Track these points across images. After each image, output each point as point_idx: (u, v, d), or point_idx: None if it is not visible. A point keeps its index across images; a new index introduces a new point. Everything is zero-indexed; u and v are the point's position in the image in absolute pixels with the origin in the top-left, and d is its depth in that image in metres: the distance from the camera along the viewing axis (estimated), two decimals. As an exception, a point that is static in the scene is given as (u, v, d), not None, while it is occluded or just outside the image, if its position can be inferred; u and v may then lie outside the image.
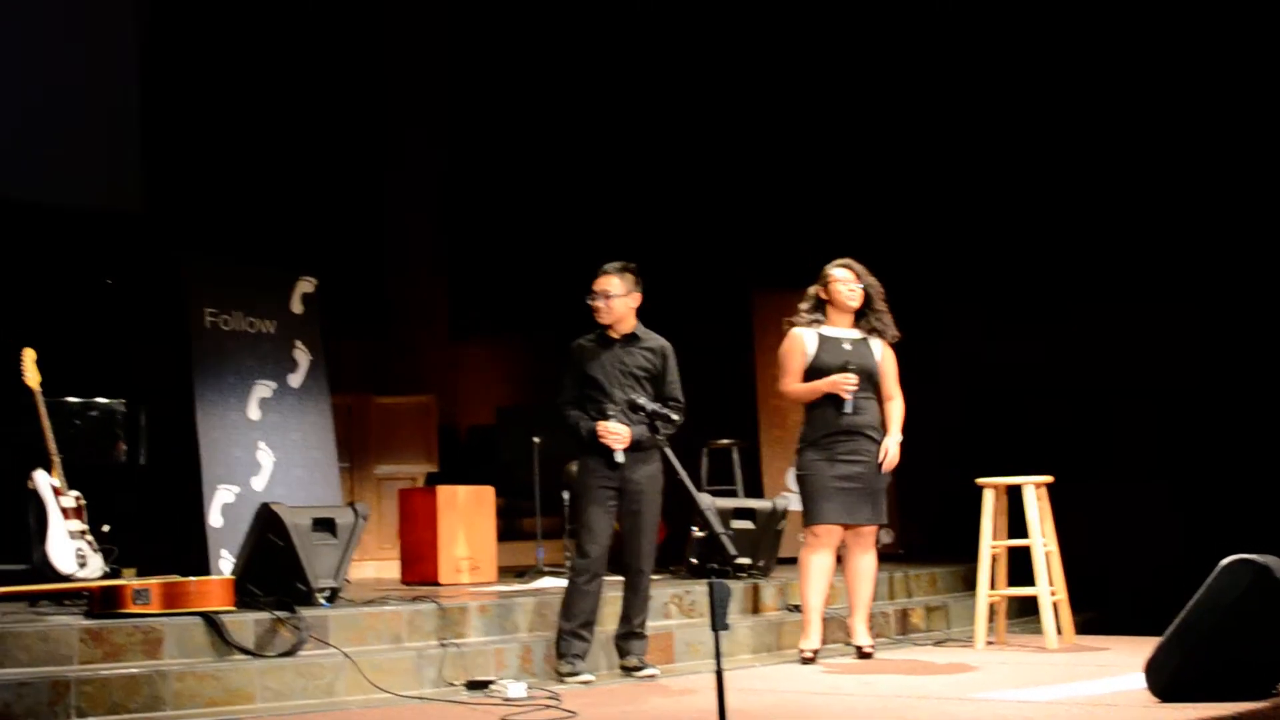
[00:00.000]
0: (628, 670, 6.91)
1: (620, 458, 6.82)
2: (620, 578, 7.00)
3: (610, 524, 6.89)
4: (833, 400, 7.27)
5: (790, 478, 10.23)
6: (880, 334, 7.43)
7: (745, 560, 8.34)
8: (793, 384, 7.38)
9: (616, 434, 6.79)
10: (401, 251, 11.77)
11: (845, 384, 7.22)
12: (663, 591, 7.85)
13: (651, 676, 6.88)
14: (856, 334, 7.41)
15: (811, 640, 7.35)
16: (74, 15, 10.40)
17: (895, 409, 7.40)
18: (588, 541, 6.85)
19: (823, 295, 7.45)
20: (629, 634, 6.95)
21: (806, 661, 7.29)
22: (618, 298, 6.93)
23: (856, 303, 7.39)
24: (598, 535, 6.84)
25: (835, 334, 7.39)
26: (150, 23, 10.55)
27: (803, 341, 7.38)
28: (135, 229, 10.04)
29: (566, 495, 8.83)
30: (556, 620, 6.91)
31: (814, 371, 7.31)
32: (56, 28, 10.32)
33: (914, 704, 5.93)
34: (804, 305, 7.49)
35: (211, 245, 9.63)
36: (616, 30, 11.40)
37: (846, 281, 7.39)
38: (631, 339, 6.99)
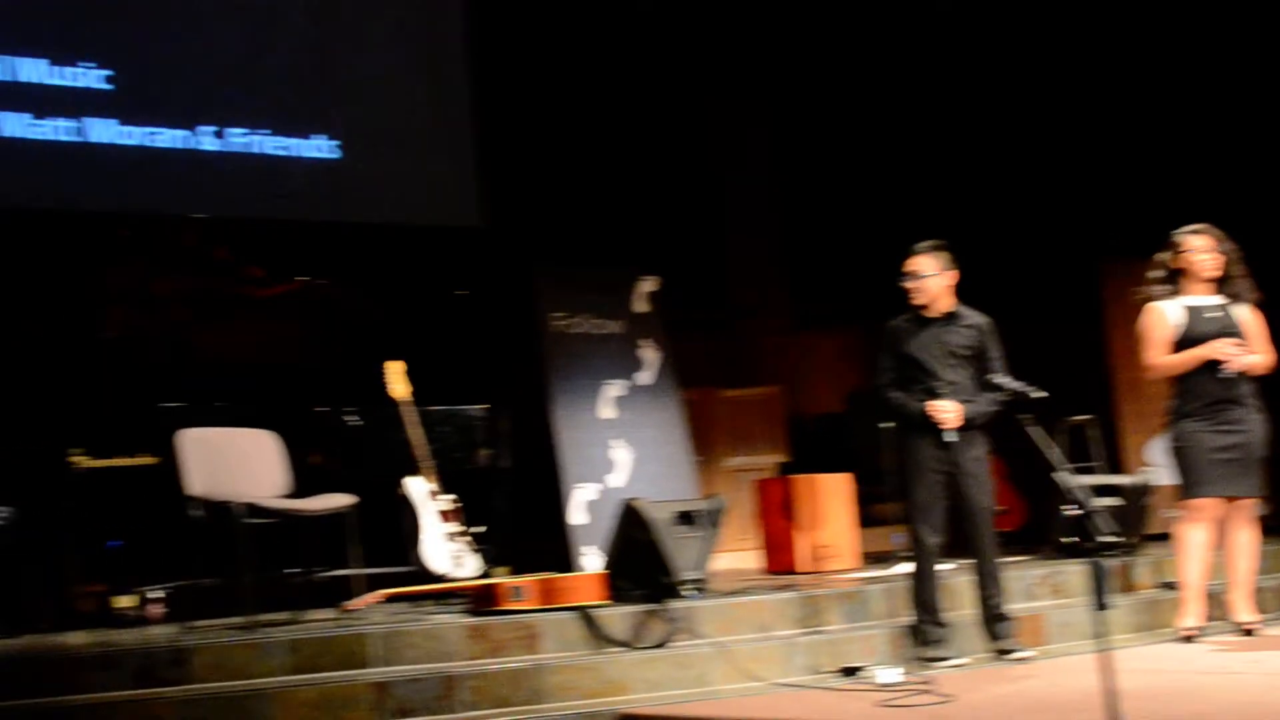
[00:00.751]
0: (1000, 654, 6.79)
1: (951, 437, 6.70)
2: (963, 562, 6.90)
3: (943, 506, 6.77)
4: (1208, 370, 6.96)
5: (1151, 451, 9.92)
6: (1241, 298, 7.10)
7: (1115, 538, 8.11)
8: (1161, 356, 7.08)
9: (949, 412, 6.68)
10: (741, 246, 11.84)
11: (1226, 350, 6.92)
12: (1030, 573, 7.72)
13: (1026, 659, 6.73)
14: (1217, 300, 7.09)
15: (1191, 618, 7.08)
16: (409, 43, 10.83)
17: (1263, 361, 7.06)
18: (921, 524, 6.75)
19: (1175, 265, 7.13)
20: (991, 616, 6.84)
21: (1187, 640, 7.03)
22: (931, 277, 6.84)
23: (1215, 271, 7.07)
24: (931, 517, 6.74)
25: (1197, 303, 7.07)
26: (477, 40, 10.89)
27: (1164, 313, 7.07)
28: (481, 242, 10.37)
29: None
30: (910, 608, 6.84)
31: (1185, 342, 7.00)
32: (395, 59, 10.76)
33: (1310, 681, 5.67)
34: (1155, 275, 7.18)
35: (553, 252, 9.89)
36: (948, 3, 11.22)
37: (1203, 250, 7.08)
38: (951, 317, 6.88)
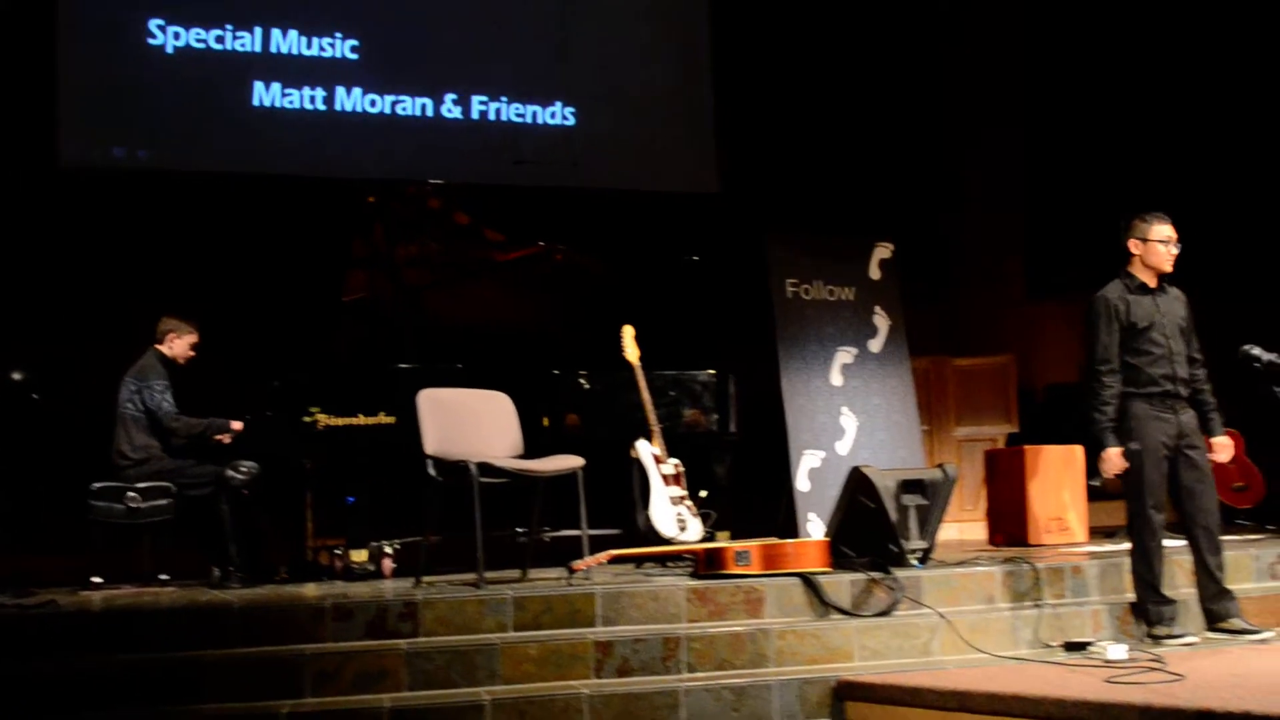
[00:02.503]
0: (1232, 633, 6.58)
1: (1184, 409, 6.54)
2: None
3: (1166, 481, 6.59)
4: None
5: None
6: None
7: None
8: None
9: (1110, 464, 6.53)
10: (978, 213, 11.70)
11: None
12: (1269, 551, 7.47)
13: (1264, 640, 6.50)
14: None
15: None
16: (650, 13, 10.94)
17: None
18: (1149, 499, 6.56)
19: None
20: (1219, 593, 6.62)
21: None
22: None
23: None
24: (1158, 493, 6.56)
25: None
26: (719, 9, 10.94)
27: None
28: (716, 208, 10.44)
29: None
30: (1136, 586, 6.67)
31: None
32: (637, 28, 10.88)
33: None
34: None
35: (788, 217, 9.90)
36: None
37: None
38: (1162, 289, 6.71)
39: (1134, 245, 6.71)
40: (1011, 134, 11.81)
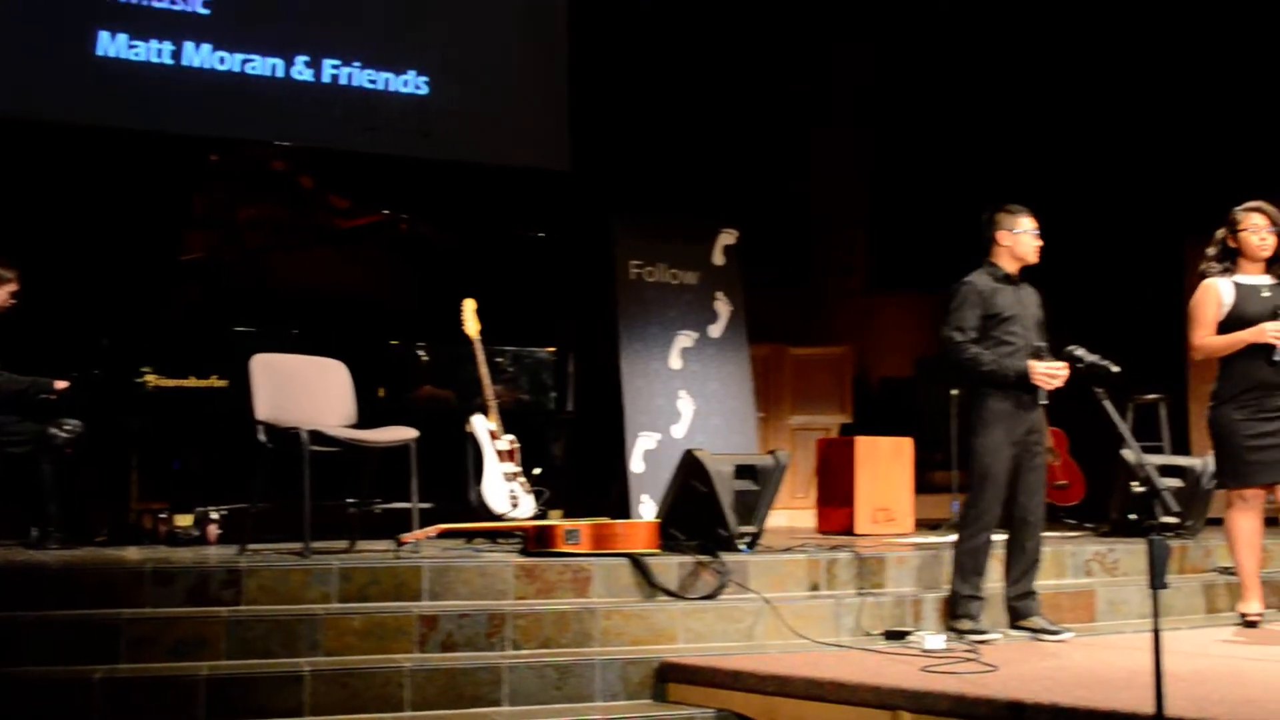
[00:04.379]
0: (1033, 631, 6.66)
1: (1044, 399, 6.65)
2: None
3: (1009, 474, 6.66)
4: (1256, 353, 6.78)
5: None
6: None
7: (1175, 520, 8.02)
8: (1207, 336, 6.91)
9: (1058, 375, 6.58)
10: (822, 202, 11.82)
11: (1277, 332, 6.78)
12: (1084, 549, 7.67)
13: (1063, 639, 6.60)
14: (1270, 280, 6.94)
15: (1252, 604, 6.98)
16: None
17: None
18: (990, 493, 6.64)
19: (1231, 242, 6.95)
20: (1027, 593, 6.72)
21: (1250, 625, 6.94)
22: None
23: (1268, 251, 6.88)
24: (1001, 487, 6.63)
25: (1251, 282, 6.89)
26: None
27: (1218, 292, 6.90)
28: (565, 186, 10.43)
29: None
30: (954, 578, 6.73)
31: (1233, 322, 6.83)
32: (496, 7, 10.80)
33: (1359, 674, 5.62)
34: (1211, 252, 6.99)
35: (636, 199, 9.92)
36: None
37: (1259, 229, 6.90)
38: (1021, 281, 6.83)
39: (1004, 237, 6.79)
40: (859, 129, 11.96)
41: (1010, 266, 6.80)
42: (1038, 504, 6.74)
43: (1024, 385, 6.60)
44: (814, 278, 11.72)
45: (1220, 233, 7.02)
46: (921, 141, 11.70)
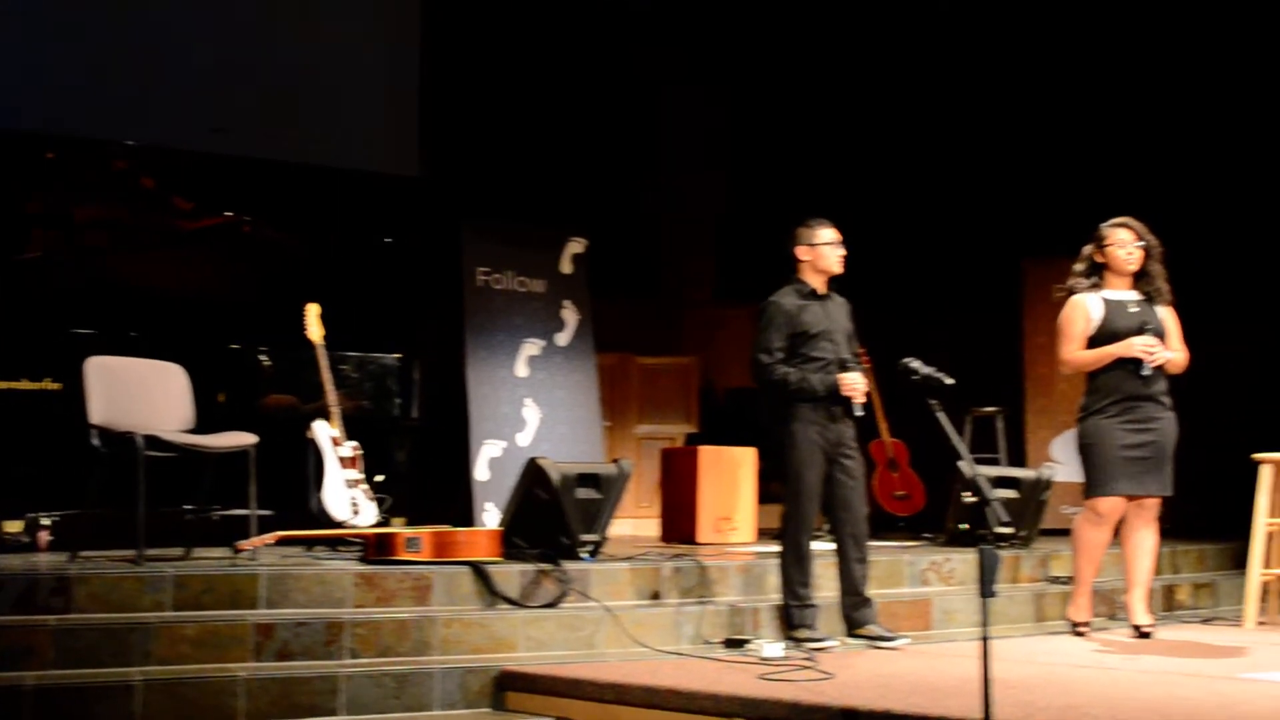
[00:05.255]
0: (869, 639, 6.75)
1: (859, 411, 6.75)
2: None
3: (822, 484, 6.75)
4: (1124, 366, 6.92)
5: (1056, 448, 10.05)
6: (1159, 295, 7.11)
7: (1008, 530, 8.20)
8: (1077, 351, 7.03)
9: (861, 387, 6.71)
10: (671, 213, 11.89)
11: (1146, 346, 6.95)
12: (922, 558, 7.81)
13: (898, 647, 6.71)
14: (1136, 296, 7.10)
15: (1081, 612, 7.15)
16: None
17: (1179, 359, 7.08)
18: (809, 504, 6.72)
19: (1099, 258, 7.10)
20: (862, 602, 6.81)
21: (1078, 633, 7.10)
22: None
23: (1135, 266, 7.05)
24: (816, 496, 6.73)
25: (1118, 297, 7.02)
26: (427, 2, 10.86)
27: (1086, 307, 7.02)
28: (414, 191, 10.36)
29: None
30: (783, 587, 6.80)
31: (1103, 337, 6.96)
32: (348, 10, 10.70)
33: (1181, 681, 5.78)
34: (1079, 268, 7.11)
35: (486, 206, 9.90)
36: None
37: (1125, 244, 7.04)
38: (830, 294, 6.92)
39: (802, 252, 6.87)
40: (710, 142, 12.05)
41: (815, 281, 6.86)
42: (858, 515, 6.82)
43: (835, 399, 6.70)
44: (662, 288, 11.78)
45: (1088, 248, 7.13)
46: (773, 155, 11.82)
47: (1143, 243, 7.03)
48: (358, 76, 10.62)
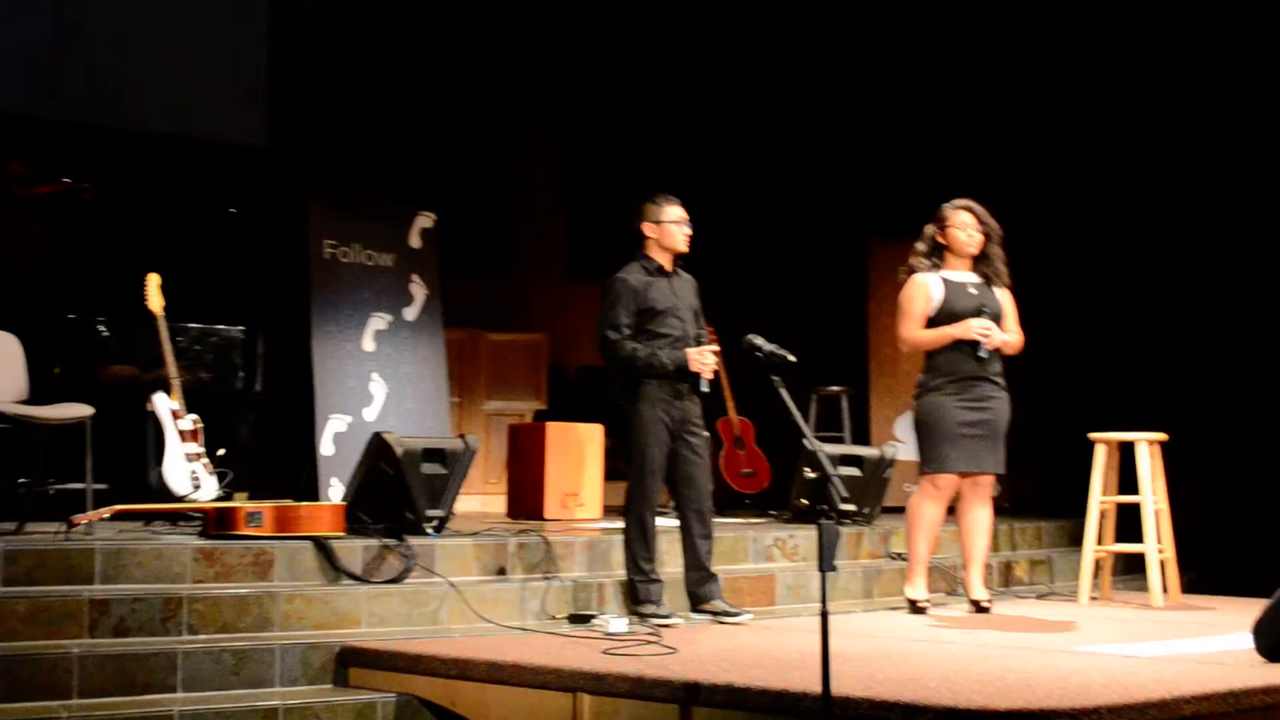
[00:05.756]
0: (714, 614, 6.80)
1: (706, 388, 6.78)
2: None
3: (666, 460, 6.78)
4: (961, 347, 7.04)
5: (899, 427, 10.21)
6: (998, 278, 7.24)
7: (851, 507, 8.32)
8: (916, 330, 7.14)
9: (711, 358, 6.75)
10: (521, 189, 11.83)
11: (983, 328, 7.06)
12: (766, 535, 7.88)
13: (741, 621, 6.77)
14: (976, 278, 7.22)
15: (919, 589, 7.25)
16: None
17: (1016, 341, 7.22)
18: (653, 480, 6.76)
19: (940, 239, 7.21)
20: (706, 578, 6.84)
21: (917, 610, 7.20)
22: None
23: (976, 249, 7.17)
24: (659, 472, 6.75)
25: (958, 278, 7.15)
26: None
27: (927, 287, 7.13)
28: (260, 162, 10.18)
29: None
30: (627, 563, 6.82)
31: (942, 317, 7.08)
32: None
33: (1016, 654, 5.90)
34: (920, 247, 7.22)
35: (333, 179, 9.76)
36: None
37: (966, 227, 7.15)
38: (677, 271, 6.95)
39: (648, 229, 6.88)
40: (559, 119, 12.01)
41: (661, 258, 6.89)
42: (703, 491, 6.85)
43: (683, 375, 6.73)
44: (513, 264, 11.72)
45: (929, 229, 7.24)
46: (622, 133, 11.82)
47: (984, 226, 7.16)
48: (204, 43, 10.40)
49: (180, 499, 7.29)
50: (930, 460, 7.11)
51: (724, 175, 11.18)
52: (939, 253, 7.21)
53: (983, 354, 7.04)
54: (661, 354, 6.73)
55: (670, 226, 6.85)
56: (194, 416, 7.53)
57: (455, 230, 9.70)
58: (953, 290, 7.12)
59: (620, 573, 6.98)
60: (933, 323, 7.11)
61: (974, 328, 7.02)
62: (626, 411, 6.77)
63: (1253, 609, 5.94)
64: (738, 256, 10.74)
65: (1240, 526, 9.28)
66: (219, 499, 7.38)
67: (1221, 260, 9.85)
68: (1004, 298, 7.22)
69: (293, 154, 10.26)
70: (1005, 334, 7.14)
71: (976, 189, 7.54)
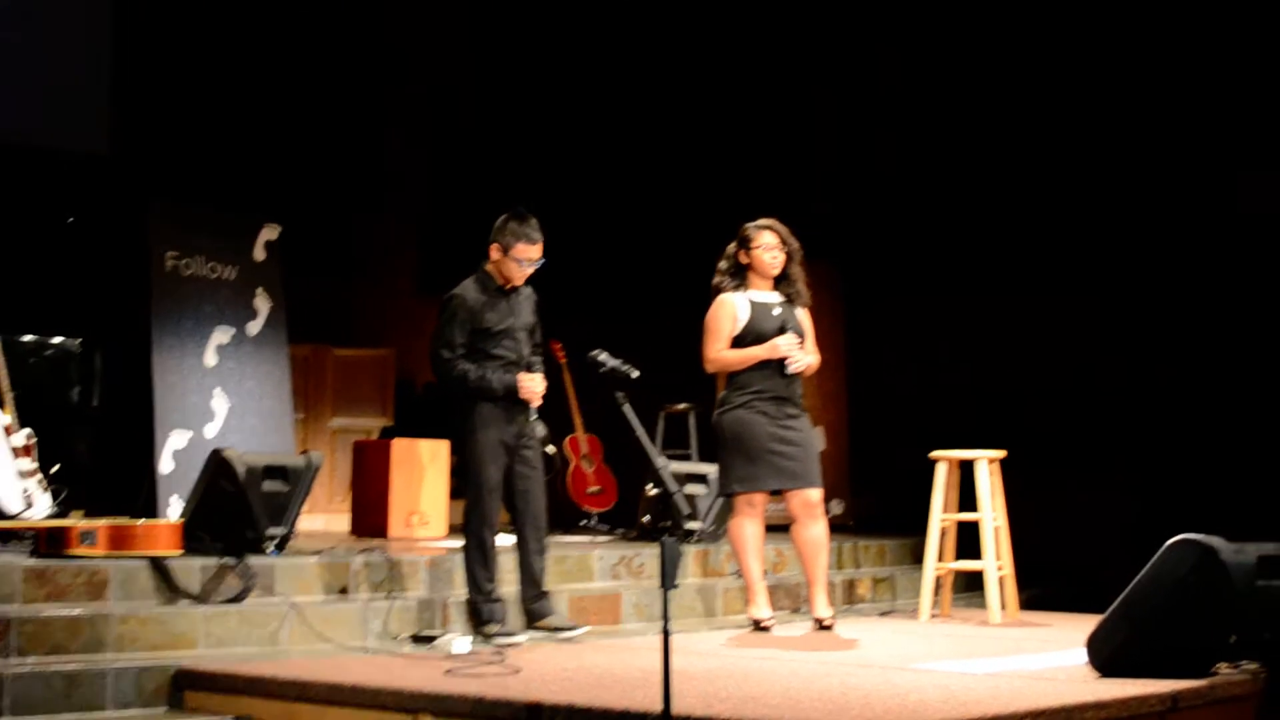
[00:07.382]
0: (550, 630, 6.80)
1: (535, 415, 6.81)
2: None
3: (503, 478, 6.79)
4: (766, 365, 7.12)
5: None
6: (799, 297, 7.31)
7: (696, 524, 8.33)
8: (723, 350, 7.19)
9: (538, 390, 6.77)
10: (372, 204, 11.71)
11: (790, 347, 7.14)
12: (612, 553, 7.86)
13: (574, 637, 6.77)
14: (779, 298, 7.28)
15: (762, 609, 7.26)
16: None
17: (817, 361, 7.31)
18: (491, 499, 6.75)
19: (743, 259, 7.26)
20: (540, 595, 6.85)
21: (762, 630, 7.21)
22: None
23: (779, 269, 7.24)
24: (497, 489, 6.76)
25: (762, 299, 7.23)
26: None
27: (734, 307, 7.19)
28: (100, 170, 9.97)
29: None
30: (469, 583, 6.80)
31: (749, 338, 7.15)
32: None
33: (856, 672, 5.96)
34: (724, 266, 7.27)
35: (176, 189, 9.57)
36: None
37: (770, 248, 7.22)
38: (516, 290, 6.92)
39: (494, 250, 6.85)
40: (419, 137, 11.94)
41: (500, 278, 6.86)
42: (538, 506, 6.86)
43: (513, 399, 6.73)
44: (361, 278, 11.60)
45: (731, 248, 7.32)
46: (479, 148, 11.78)
47: (786, 246, 7.25)
48: (44, 48, 10.16)
49: (11, 517, 7.09)
50: (741, 479, 7.15)
51: (574, 189, 11.18)
52: (742, 273, 7.28)
53: (789, 371, 7.14)
54: (492, 377, 6.72)
55: (512, 262, 6.80)
56: (28, 431, 7.33)
57: (304, 243, 9.57)
58: (758, 310, 7.22)
59: (464, 592, 6.92)
60: (739, 342, 7.19)
61: (781, 346, 7.11)
62: (462, 430, 6.75)
63: (1088, 624, 6.07)
64: (589, 272, 10.73)
65: (1078, 543, 9.47)
66: (52, 517, 7.18)
67: (1061, 277, 10.03)
68: (804, 318, 7.33)
69: (135, 162, 10.06)
70: (808, 356, 7.24)
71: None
